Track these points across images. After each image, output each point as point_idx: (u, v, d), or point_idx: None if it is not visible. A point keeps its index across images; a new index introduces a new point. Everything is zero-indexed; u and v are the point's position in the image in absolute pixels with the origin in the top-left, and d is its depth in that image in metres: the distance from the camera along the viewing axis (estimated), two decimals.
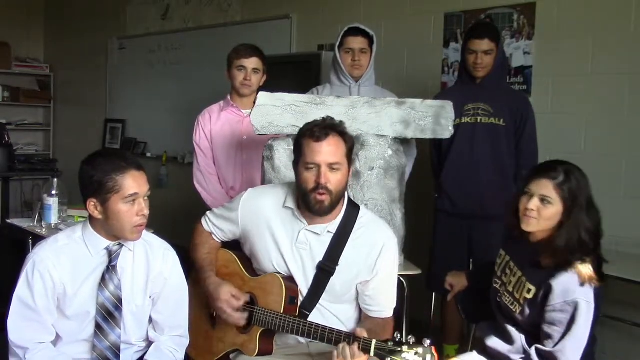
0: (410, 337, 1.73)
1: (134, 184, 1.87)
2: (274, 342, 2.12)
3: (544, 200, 1.97)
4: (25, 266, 1.90)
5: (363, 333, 1.84)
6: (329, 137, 1.98)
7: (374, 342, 1.78)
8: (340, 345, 1.83)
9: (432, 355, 1.69)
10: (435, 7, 4.01)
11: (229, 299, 2.09)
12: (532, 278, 2.03)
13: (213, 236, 2.27)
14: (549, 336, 1.97)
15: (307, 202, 2.01)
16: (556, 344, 1.95)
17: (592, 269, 1.95)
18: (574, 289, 1.93)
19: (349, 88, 3.15)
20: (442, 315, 3.33)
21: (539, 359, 1.98)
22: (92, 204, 1.88)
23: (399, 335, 1.75)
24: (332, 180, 1.98)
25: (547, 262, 1.99)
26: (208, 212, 2.31)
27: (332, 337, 1.90)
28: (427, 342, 1.71)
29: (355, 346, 1.80)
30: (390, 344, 1.74)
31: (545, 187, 1.97)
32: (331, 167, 1.98)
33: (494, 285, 2.21)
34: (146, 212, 1.91)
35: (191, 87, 5.60)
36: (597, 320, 2.00)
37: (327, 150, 1.97)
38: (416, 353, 1.69)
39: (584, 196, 1.98)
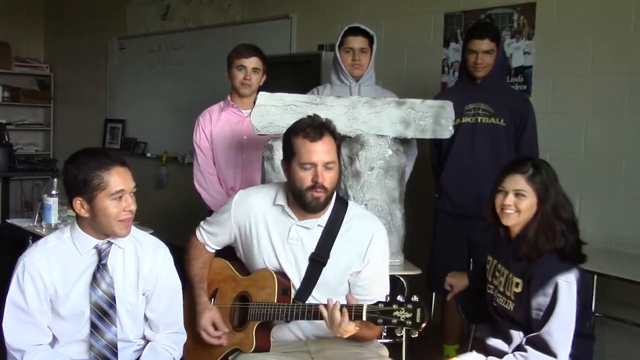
0: (399, 296, 1.77)
1: (120, 180, 1.86)
2: (271, 337, 2.13)
3: (518, 194, 2.06)
4: (16, 269, 1.89)
5: (352, 300, 1.88)
6: (323, 137, 2.03)
7: (365, 306, 1.82)
8: (330, 308, 1.87)
9: (422, 309, 1.75)
10: (435, 7, 4.01)
11: (207, 327, 2.14)
12: (516, 271, 2.08)
13: (207, 247, 2.28)
14: (536, 322, 2.00)
15: (303, 199, 2.04)
16: (542, 327, 1.97)
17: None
18: (552, 271, 1.98)
19: (349, 87, 3.15)
20: (442, 315, 3.33)
21: (529, 346, 2.00)
22: (78, 202, 1.87)
23: (388, 297, 1.80)
24: (328, 178, 2.03)
25: (525, 253, 2.05)
26: (202, 222, 2.33)
27: None
28: (416, 298, 1.76)
29: (346, 315, 1.83)
30: (381, 305, 1.79)
31: (518, 182, 2.07)
32: (326, 166, 2.03)
33: (488, 291, 2.23)
34: (133, 207, 1.90)
35: (191, 87, 5.60)
36: (587, 312, 2.04)
37: (323, 150, 2.02)
38: (406, 309, 1.75)
39: (554, 187, 2.07)
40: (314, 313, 1.95)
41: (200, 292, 2.20)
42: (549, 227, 2.02)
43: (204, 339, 2.14)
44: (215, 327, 2.14)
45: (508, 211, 2.07)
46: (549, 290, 1.96)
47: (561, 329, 1.95)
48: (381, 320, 1.77)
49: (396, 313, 1.76)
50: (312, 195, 2.02)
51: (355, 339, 2.00)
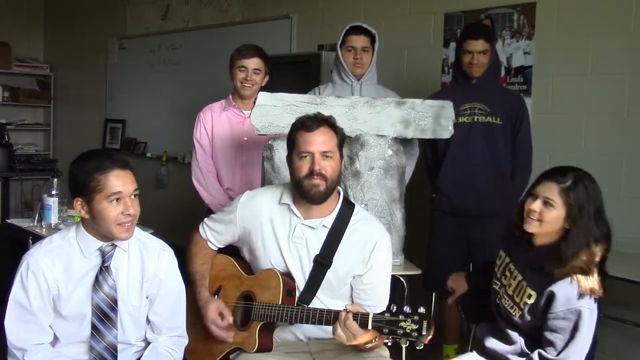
0: (406, 307, 1.76)
1: (117, 182, 1.85)
2: (274, 338, 2.13)
3: (546, 202, 1.95)
4: (20, 267, 1.90)
5: (358, 309, 1.86)
6: (320, 128, 2.07)
7: (371, 314, 1.80)
8: (343, 315, 1.83)
9: (429, 322, 1.73)
10: (435, 7, 4.02)
11: (215, 319, 2.13)
12: (533, 283, 2.01)
13: (209, 244, 2.28)
14: (551, 343, 1.95)
15: (302, 189, 2.05)
16: (559, 352, 1.93)
17: (594, 281, 1.91)
18: (576, 296, 1.91)
19: (351, 86, 3.15)
20: (441, 315, 3.33)
21: None
22: (78, 203, 1.88)
23: (394, 307, 1.78)
24: (326, 167, 2.04)
25: (551, 268, 1.95)
26: (206, 219, 2.32)
27: (330, 318, 1.92)
28: (423, 309, 1.74)
29: (356, 322, 1.81)
30: (387, 315, 1.77)
31: (550, 190, 1.95)
32: (324, 154, 2.05)
33: (494, 286, 2.19)
34: (131, 211, 1.88)
35: (191, 87, 5.60)
36: (598, 323, 2.00)
37: (320, 140, 2.05)
38: (412, 321, 1.73)
39: (592, 205, 1.93)
40: (319, 318, 1.95)
41: (201, 289, 2.19)
42: (582, 247, 1.90)
43: (213, 332, 2.12)
44: (222, 317, 2.13)
45: (531, 217, 1.97)
46: (571, 316, 1.90)
47: (578, 356, 1.92)
48: (387, 330, 1.75)
49: (402, 324, 1.73)
50: (310, 183, 2.03)
51: (354, 347, 1.97)
